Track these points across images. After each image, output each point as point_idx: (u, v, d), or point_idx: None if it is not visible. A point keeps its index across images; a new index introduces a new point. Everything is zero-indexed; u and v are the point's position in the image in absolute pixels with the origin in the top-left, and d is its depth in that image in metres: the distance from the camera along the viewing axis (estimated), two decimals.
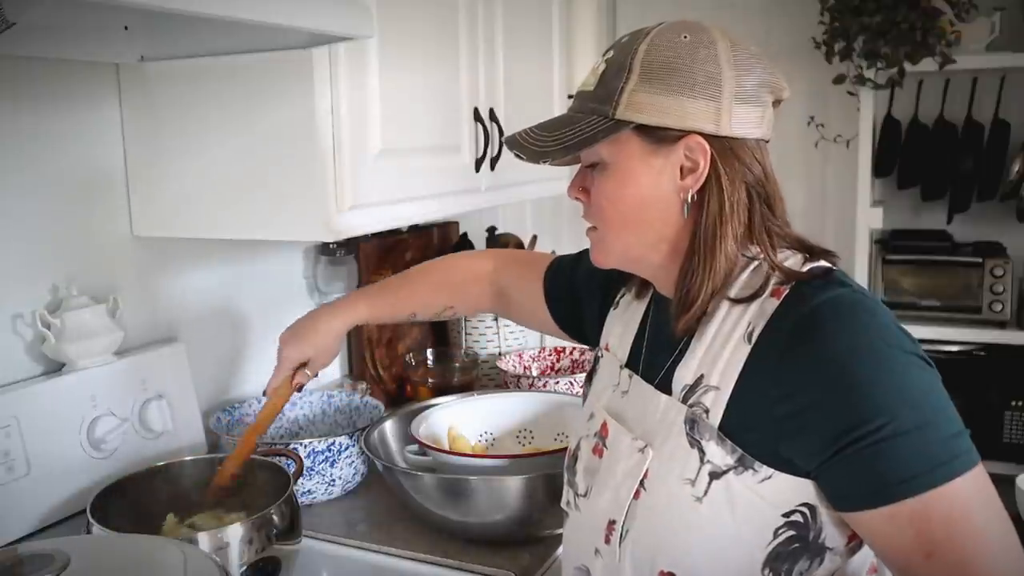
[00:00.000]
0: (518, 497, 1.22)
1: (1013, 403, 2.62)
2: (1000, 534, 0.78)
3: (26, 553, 0.83)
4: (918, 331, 2.59)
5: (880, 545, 0.81)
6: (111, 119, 1.42)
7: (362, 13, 1.20)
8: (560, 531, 1.29)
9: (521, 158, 0.95)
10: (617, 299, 1.10)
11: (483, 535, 1.28)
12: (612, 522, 0.91)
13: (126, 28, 1.10)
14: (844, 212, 2.81)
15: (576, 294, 1.21)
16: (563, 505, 1.05)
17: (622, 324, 1.05)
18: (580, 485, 0.99)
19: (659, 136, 0.87)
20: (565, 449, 1.26)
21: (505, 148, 0.98)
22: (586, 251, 1.22)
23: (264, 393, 1.37)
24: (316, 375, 1.36)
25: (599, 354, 1.09)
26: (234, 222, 1.38)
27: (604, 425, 0.98)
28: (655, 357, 0.96)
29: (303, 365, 1.33)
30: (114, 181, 1.44)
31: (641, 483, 0.89)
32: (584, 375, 1.73)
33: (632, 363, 1.00)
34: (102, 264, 1.43)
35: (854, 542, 0.86)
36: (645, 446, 0.90)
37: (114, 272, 1.45)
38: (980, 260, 2.64)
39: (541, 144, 0.93)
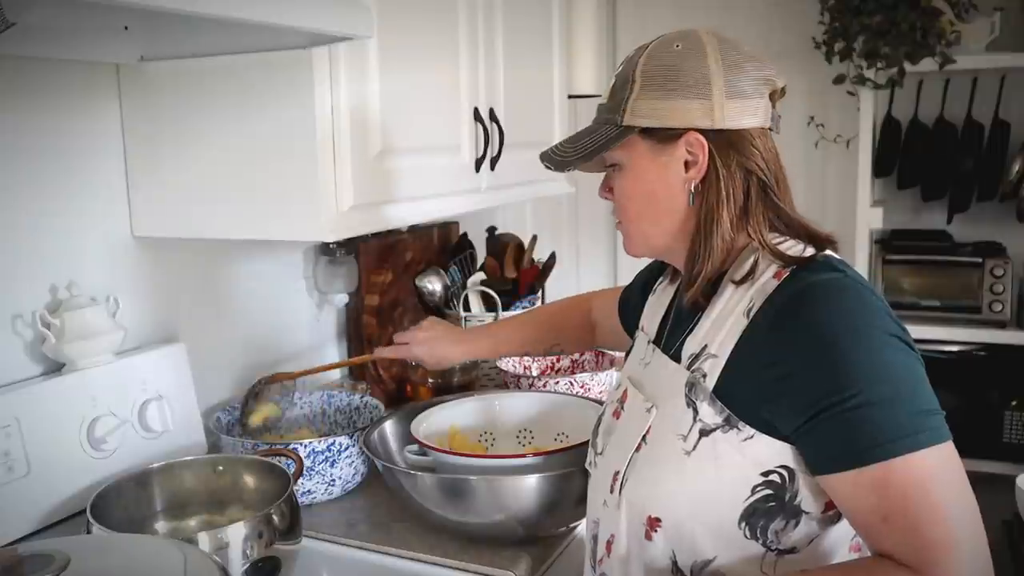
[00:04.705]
0: (518, 497, 1.22)
1: (1013, 403, 2.62)
2: (962, 508, 0.82)
3: (26, 553, 0.83)
4: (918, 331, 2.59)
5: (846, 507, 0.87)
6: (111, 119, 1.42)
7: (362, 13, 1.20)
8: (560, 530, 1.30)
9: (551, 168, 1.08)
10: (656, 286, 1.20)
11: (483, 535, 1.28)
12: (617, 473, 1.00)
13: (126, 28, 1.10)
14: (844, 212, 2.81)
15: (631, 304, 1.31)
16: (587, 465, 1.14)
17: (655, 306, 1.16)
18: (599, 445, 1.10)
19: (662, 136, 0.98)
20: (565, 449, 1.27)
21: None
22: (641, 272, 1.34)
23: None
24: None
25: (636, 335, 1.19)
26: (234, 222, 1.38)
27: (625, 391, 1.09)
28: (674, 332, 1.06)
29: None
30: (114, 181, 1.44)
31: (643, 438, 0.98)
32: (584, 375, 1.74)
33: (657, 338, 1.11)
34: (102, 264, 1.43)
35: (831, 511, 0.91)
36: (651, 406, 1.00)
37: (114, 272, 1.45)
38: (980, 260, 2.64)
39: (564, 155, 1.05)
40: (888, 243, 2.86)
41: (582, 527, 1.28)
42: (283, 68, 1.28)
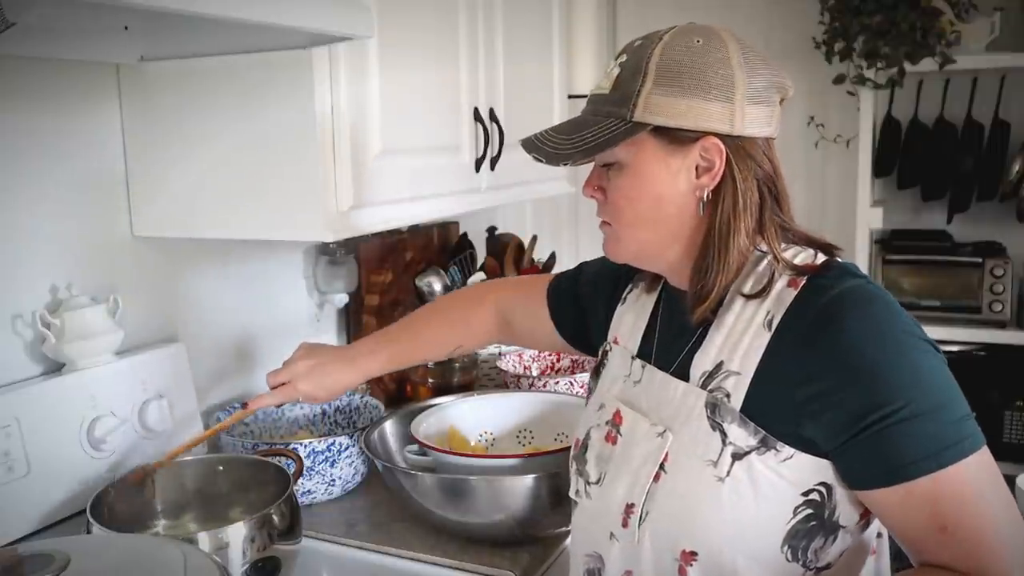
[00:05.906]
0: (518, 497, 1.22)
1: (1013, 403, 2.62)
2: (1006, 509, 0.83)
3: (26, 553, 0.83)
4: None
5: (896, 522, 0.85)
6: (111, 119, 1.42)
7: (362, 13, 1.20)
8: (560, 530, 1.30)
9: (540, 160, 0.96)
10: (624, 295, 1.12)
11: (483, 535, 1.28)
12: (631, 505, 0.93)
13: (126, 28, 1.10)
14: (844, 212, 2.81)
15: (581, 304, 1.22)
16: (572, 495, 1.06)
17: (632, 317, 1.07)
18: (592, 473, 1.01)
19: (676, 137, 0.90)
20: (565, 449, 1.26)
21: (522, 149, 1.00)
22: (585, 263, 1.24)
23: (243, 404, 1.36)
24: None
25: (607, 348, 1.11)
26: (234, 222, 1.38)
27: (617, 413, 1.00)
28: (669, 346, 0.99)
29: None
30: (114, 181, 1.44)
31: (661, 466, 0.91)
32: (585, 375, 1.74)
33: (643, 353, 1.03)
34: (102, 264, 1.43)
35: (863, 520, 0.90)
36: (664, 431, 0.92)
37: (114, 272, 1.45)
38: (980, 260, 2.64)
39: (559, 147, 0.94)
40: (888, 243, 2.86)
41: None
42: (283, 68, 1.28)
